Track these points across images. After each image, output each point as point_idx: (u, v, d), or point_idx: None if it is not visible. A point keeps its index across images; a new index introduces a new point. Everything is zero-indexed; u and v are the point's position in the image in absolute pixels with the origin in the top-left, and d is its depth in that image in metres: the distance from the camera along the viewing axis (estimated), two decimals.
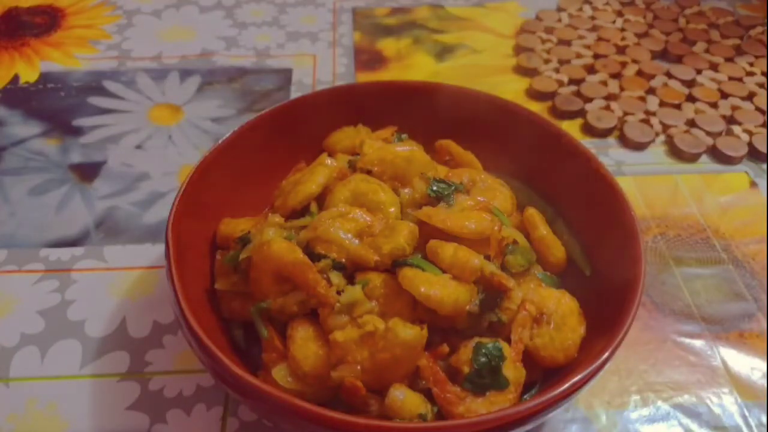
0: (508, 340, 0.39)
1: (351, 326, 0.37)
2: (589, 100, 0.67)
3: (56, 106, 0.66)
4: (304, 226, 0.41)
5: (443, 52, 0.75)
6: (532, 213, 0.45)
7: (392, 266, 0.39)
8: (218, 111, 0.66)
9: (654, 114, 0.66)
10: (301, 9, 0.82)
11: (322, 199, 0.43)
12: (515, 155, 0.50)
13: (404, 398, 0.35)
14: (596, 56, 0.74)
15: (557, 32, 0.77)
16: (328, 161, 0.45)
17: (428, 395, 0.37)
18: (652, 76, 0.71)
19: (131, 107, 0.66)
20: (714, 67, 0.73)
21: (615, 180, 0.44)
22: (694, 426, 0.43)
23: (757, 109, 0.67)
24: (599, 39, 0.76)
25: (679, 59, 0.74)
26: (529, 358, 0.39)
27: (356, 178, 0.43)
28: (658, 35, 0.77)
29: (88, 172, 0.59)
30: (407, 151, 0.44)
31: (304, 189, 0.43)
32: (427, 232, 0.40)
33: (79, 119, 0.65)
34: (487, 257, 0.40)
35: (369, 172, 0.43)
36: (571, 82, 0.70)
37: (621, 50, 0.75)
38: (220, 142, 0.46)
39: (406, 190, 0.43)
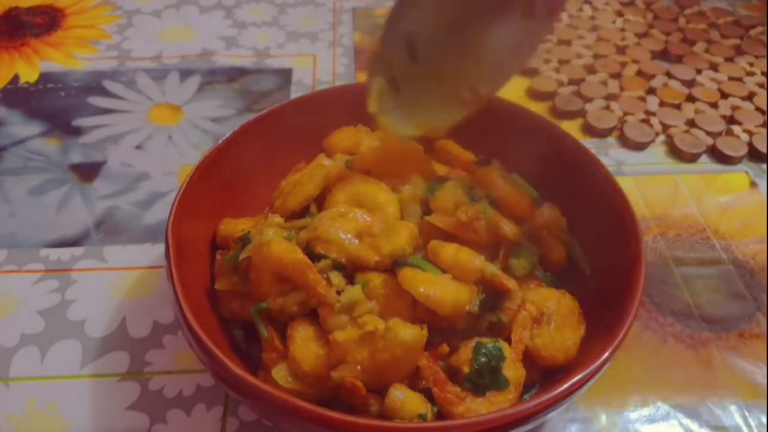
0: (508, 340, 0.39)
1: (351, 326, 0.37)
2: (589, 100, 0.67)
3: (56, 106, 0.66)
4: (304, 227, 0.41)
5: None
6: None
7: (392, 266, 0.39)
8: (218, 111, 0.66)
9: (654, 114, 0.66)
10: (301, 9, 0.81)
11: (321, 199, 0.43)
12: (515, 155, 0.50)
13: (404, 398, 0.35)
14: (596, 56, 0.73)
15: (557, 32, 0.77)
16: (326, 162, 0.45)
17: (428, 395, 0.37)
18: (652, 76, 0.71)
19: (131, 107, 0.66)
20: (714, 67, 0.73)
21: (615, 180, 0.44)
22: (694, 426, 0.43)
23: (757, 109, 0.67)
24: (599, 39, 0.76)
25: (679, 59, 0.74)
26: (529, 358, 0.39)
27: (355, 178, 0.43)
28: (658, 35, 0.77)
29: (88, 172, 0.59)
30: (405, 149, 0.44)
31: (303, 191, 0.43)
32: (428, 232, 0.40)
33: (79, 119, 0.64)
34: (488, 258, 0.40)
35: (368, 172, 0.43)
36: (571, 82, 0.70)
37: (621, 50, 0.75)
38: (220, 142, 0.46)
39: (407, 187, 0.43)
